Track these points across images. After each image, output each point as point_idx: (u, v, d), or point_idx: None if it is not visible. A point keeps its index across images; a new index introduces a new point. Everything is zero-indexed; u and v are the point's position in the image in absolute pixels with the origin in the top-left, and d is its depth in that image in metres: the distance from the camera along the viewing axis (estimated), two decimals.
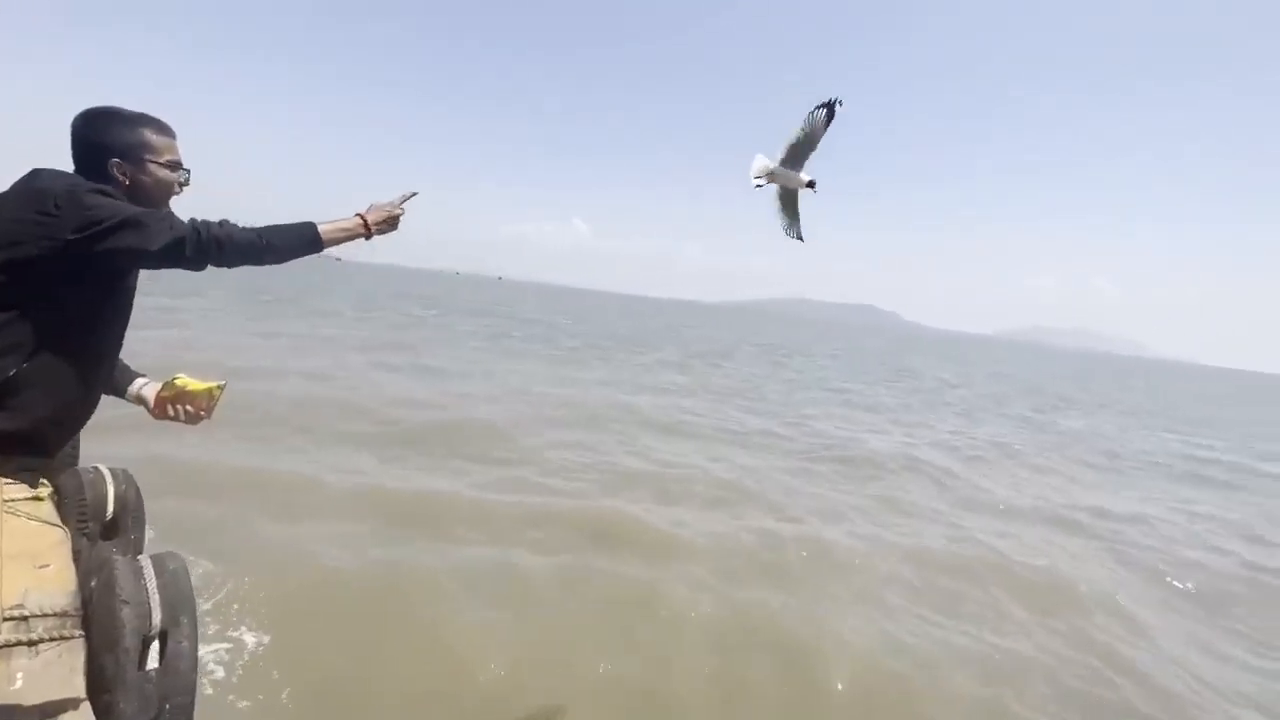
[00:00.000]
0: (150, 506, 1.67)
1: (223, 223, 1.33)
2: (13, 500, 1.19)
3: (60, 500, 1.37)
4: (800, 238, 2.63)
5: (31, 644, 1.06)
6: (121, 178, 1.34)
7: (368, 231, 1.55)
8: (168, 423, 1.61)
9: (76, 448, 1.53)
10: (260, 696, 2.59)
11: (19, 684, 1.03)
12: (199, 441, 5.06)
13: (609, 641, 3.26)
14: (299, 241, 1.42)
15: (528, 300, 57.45)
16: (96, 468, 1.56)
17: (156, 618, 1.14)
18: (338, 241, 1.51)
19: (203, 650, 2.66)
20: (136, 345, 1.56)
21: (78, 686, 1.09)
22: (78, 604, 1.16)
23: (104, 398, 1.48)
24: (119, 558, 1.23)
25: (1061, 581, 4.80)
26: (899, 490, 6.94)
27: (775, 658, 3.29)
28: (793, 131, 2.38)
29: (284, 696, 2.60)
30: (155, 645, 1.14)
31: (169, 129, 1.43)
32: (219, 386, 1.60)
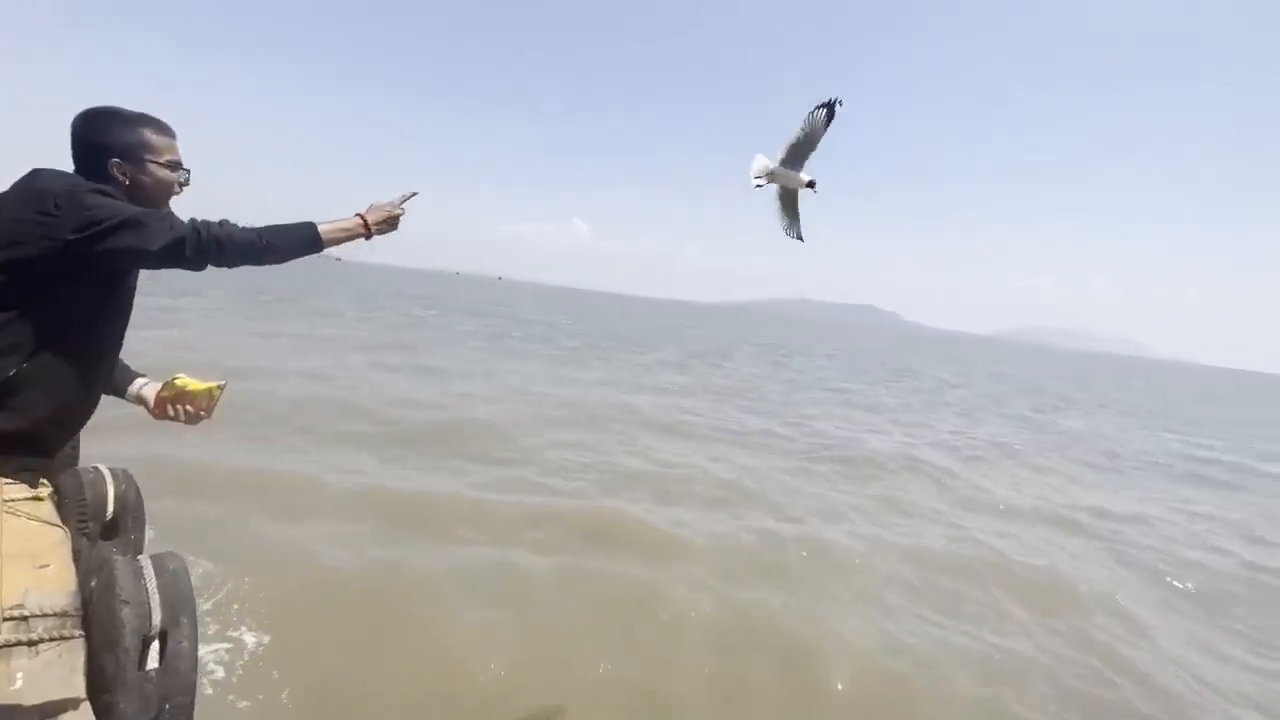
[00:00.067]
0: (150, 506, 1.67)
1: (223, 223, 1.33)
2: (13, 500, 1.19)
3: (60, 500, 1.37)
4: (800, 238, 2.62)
5: (31, 644, 1.06)
6: (121, 178, 1.34)
7: (368, 231, 1.55)
8: (168, 423, 1.61)
9: (76, 448, 1.53)
10: (260, 697, 2.58)
11: (19, 684, 1.03)
12: (199, 442, 5.06)
13: (609, 642, 3.26)
14: (299, 241, 1.42)
15: (527, 300, 57.46)
16: (96, 468, 1.56)
17: (156, 618, 1.14)
18: (338, 241, 1.51)
19: (203, 650, 2.66)
20: (136, 345, 1.56)
21: (78, 686, 1.09)
22: (78, 604, 1.16)
23: (104, 398, 1.48)
24: (119, 558, 1.23)
25: (1061, 581, 4.80)
26: (899, 490, 6.94)
27: (775, 658, 3.29)
28: (793, 132, 2.38)
29: (284, 697, 2.60)
30: (155, 645, 1.14)
31: (169, 129, 1.43)
32: (219, 386, 1.60)
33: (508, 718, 2.69)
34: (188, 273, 1.38)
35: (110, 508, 1.52)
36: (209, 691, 2.55)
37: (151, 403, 1.60)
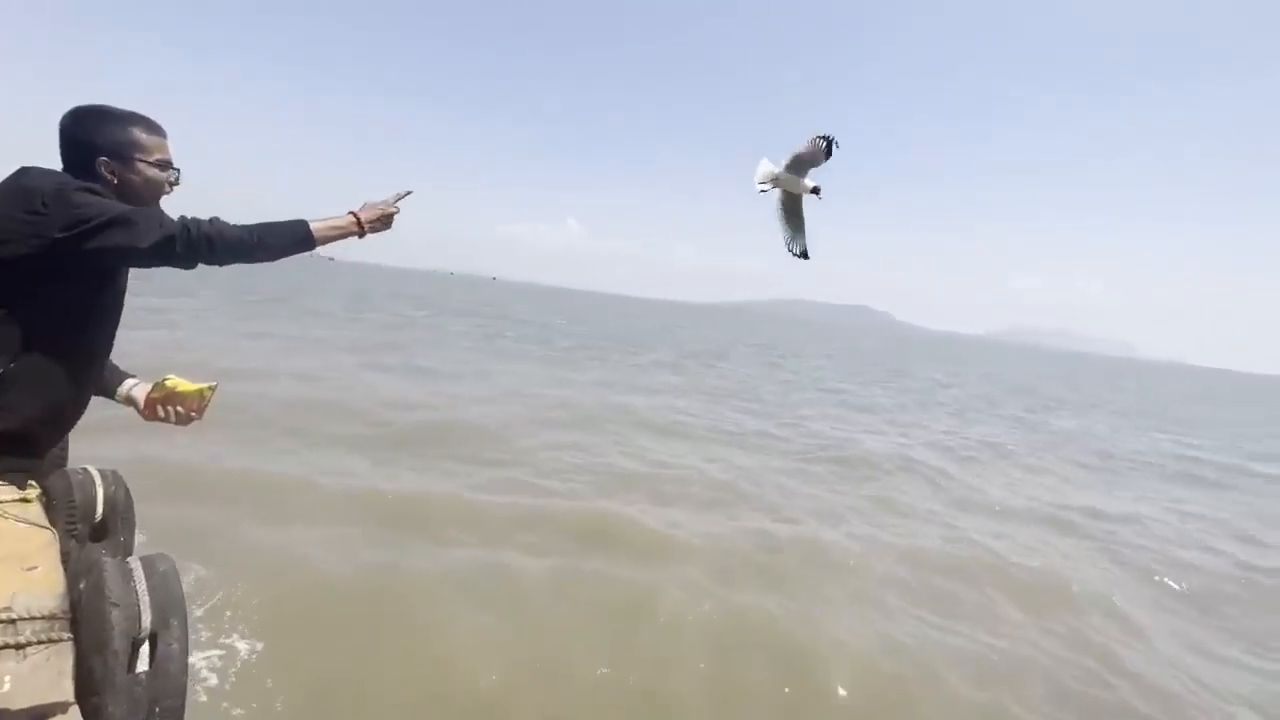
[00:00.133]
0: (140, 509, 1.65)
1: (213, 220, 1.31)
2: (0, 502, 1.18)
3: (49, 502, 1.36)
4: (805, 254, 2.54)
5: (19, 647, 1.04)
6: (110, 176, 1.33)
7: (361, 230, 1.54)
8: (158, 424, 1.60)
9: (65, 449, 1.51)
10: (254, 705, 2.56)
11: (6, 687, 1.01)
12: (190, 443, 5.02)
13: (606, 645, 3.25)
14: (291, 239, 1.40)
15: (521, 301, 57.37)
16: (86, 469, 1.54)
17: (146, 620, 1.12)
18: (330, 239, 1.49)
19: (196, 658, 2.64)
20: (126, 346, 1.55)
21: (66, 690, 1.07)
22: (66, 606, 1.14)
23: (93, 399, 1.46)
24: (108, 560, 1.21)
25: (1056, 582, 4.82)
26: (894, 491, 6.96)
27: (773, 660, 3.29)
28: (798, 145, 2.37)
29: (278, 705, 2.58)
30: (145, 648, 1.13)
31: (159, 128, 1.41)
32: (210, 387, 1.58)
33: None
34: (178, 272, 1.36)
35: (99, 509, 1.50)
36: (202, 699, 2.52)
37: (141, 404, 1.58)
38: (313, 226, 1.43)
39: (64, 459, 1.51)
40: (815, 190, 2.42)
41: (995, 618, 4.16)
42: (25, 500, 1.23)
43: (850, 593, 4.24)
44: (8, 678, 1.02)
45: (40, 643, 1.07)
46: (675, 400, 11.40)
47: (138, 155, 1.36)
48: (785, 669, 3.23)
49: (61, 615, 1.12)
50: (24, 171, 1.25)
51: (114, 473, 1.58)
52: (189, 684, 1.18)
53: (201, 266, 1.34)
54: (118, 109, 1.38)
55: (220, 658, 2.76)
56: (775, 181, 2.46)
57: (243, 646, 2.86)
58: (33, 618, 1.08)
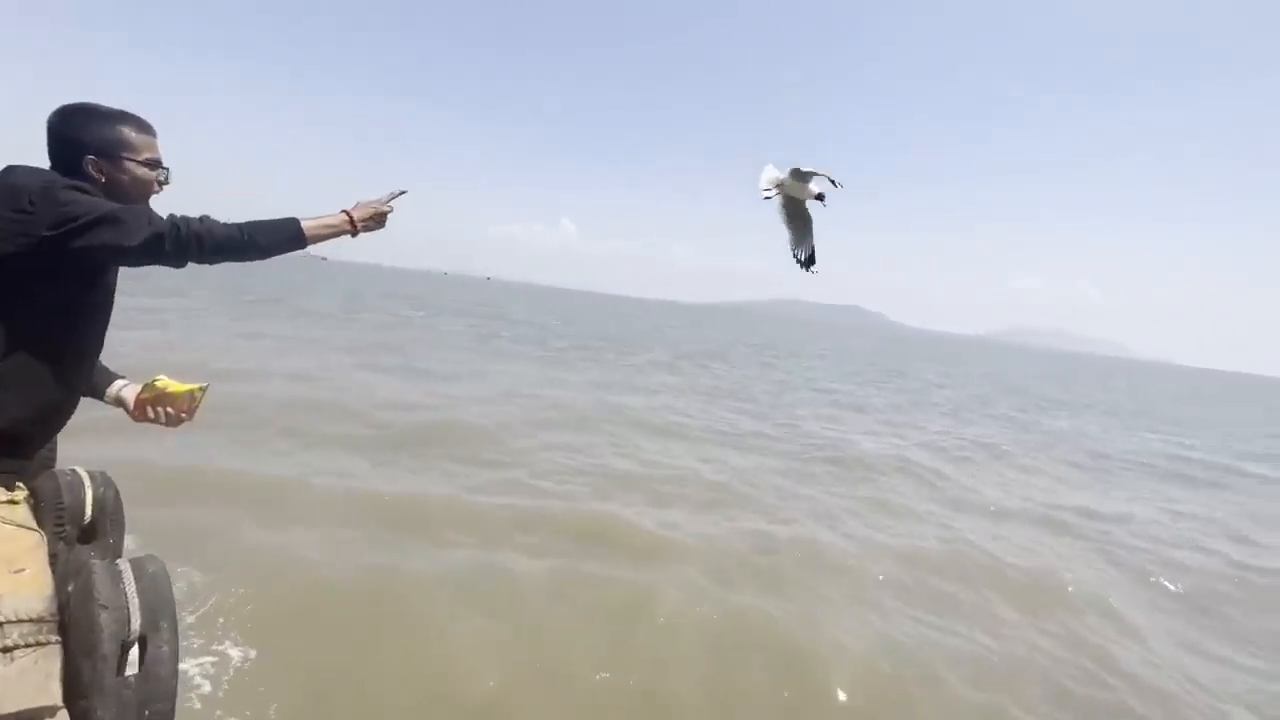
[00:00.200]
0: (131, 512, 1.63)
1: (203, 218, 1.30)
2: None
3: (37, 503, 1.34)
4: (810, 260, 2.51)
5: (6, 650, 1.03)
6: (98, 175, 1.31)
7: (354, 229, 1.53)
8: (148, 425, 1.58)
9: (54, 450, 1.49)
10: (248, 712, 2.54)
11: None
12: (182, 445, 4.99)
13: (604, 647, 3.24)
14: (282, 237, 1.39)
15: (517, 301, 57.31)
16: (74, 470, 1.53)
17: (135, 623, 1.11)
18: (322, 238, 1.48)
19: (189, 664, 2.61)
20: (117, 346, 1.54)
21: (54, 694, 1.06)
22: (54, 609, 1.13)
23: (82, 400, 1.45)
24: (97, 562, 1.20)
25: (1052, 583, 4.84)
26: (890, 492, 6.98)
27: (772, 662, 3.29)
28: (805, 165, 2.37)
29: (272, 712, 2.56)
30: (134, 651, 1.12)
31: (149, 126, 1.40)
32: (201, 388, 1.57)
33: None
34: (170, 271, 1.35)
35: (88, 511, 1.49)
36: (196, 706, 2.50)
37: (131, 405, 1.56)
38: (304, 225, 1.42)
39: (52, 460, 1.49)
40: (819, 197, 2.42)
41: (992, 618, 4.18)
42: (13, 502, 1.21)
43: (848, 593, 4.25)
44: None
45: (28, 646, 1.06)
46: (671, 400, 11.41)
47: (125, 154, 1.34)
48: (784, 670, 3.23)
49: (49, 618, 1.11)
50: (10, 170, 1.24)
51: (103, 474, 1.57)
52: (181, 690, 1.17)
53: (193, 266, 1.32)
54: (106, 107, 1.36)
55: (213, 664, 2.73)
56: (779, 188, 2.46)
57: (236, 653, 2.83)
58: (20, 620, 1.06)
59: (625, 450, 7.31)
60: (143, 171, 1.37)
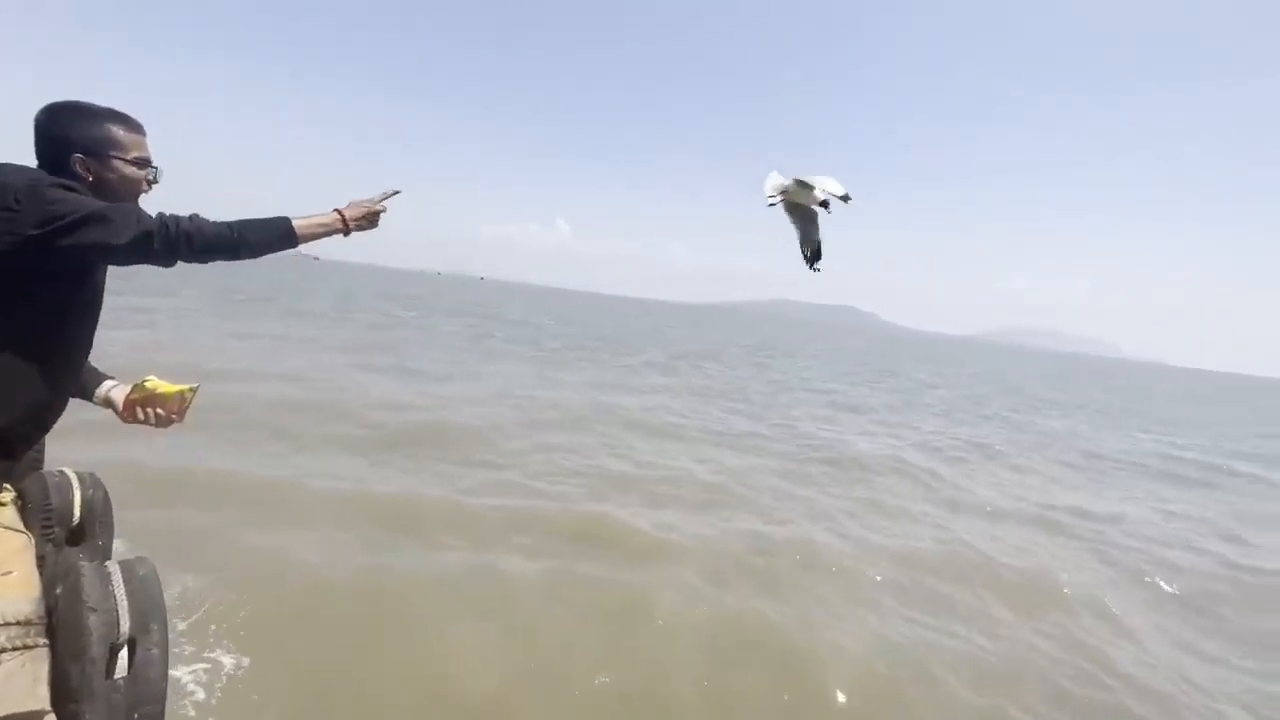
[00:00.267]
0: (121, 514, 1.61)
1: (193, 217, 1.29)
2: None
3: (24, 505, 1.33)
4: (816, 257, 2.55)
5: None
6: (85, 174, 1.30)
7: (346, 228, 1.51)
8: (138, 426, 1.57)
9: (42, 451, 1.47)
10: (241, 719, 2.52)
11: None
12: (173, 446, 4.95)
13: (601, 649, 3.23)
14: (273, 236, 1.38)
15: (511, 301, 57.23)
16: (63, 471, 1.51)
17: (125, 625, 1.10)
18: (314, 237, 1.47)
19: (181, 671, 2.59)
20: (106, 346, 1.52)
21: (42, 697, 1.05)
22: (42, 612, 1.12)
23: (71, 401, 1.43)
24: (86, 564, 1.19)
25: (1048, 583, 4.86)
26: (885, 492, 7.00)
27: (769, 664, 3.28)
28: (814, 176, 2.38)
29: (266, 719, 2.54)
30: (124, 654, 1.11)
31: (138, 125, 1.38)
32: (191, 389, 1.56)
33: None
34: (160, 271, 1.34)
35: (77, 512, 1.47)
36: (190, 714, 2.47)
37: (120, 406, 1.55)
38: (295, 224, 1.41)
39: (40, 461, 1.48)
40: (824, 204, 2.43)
41: (989, 619, 4.19)
42: (0, 504, 1.20)
43: (844, 594, 4.25)
44: None
45: (15, 649, 1.05)
46: (665, 401, 11.41)
47: (114, 152, 1.33)
48: (781, 672, 3.22)
49: (37, 621, 1.10)
50: None
51: (92, 475, 1.55)
52: (174, 697, 1.16)
53: (182, 265, 1.31)
54: (94, 105, 1.35)
55: (206, 671, 2.70)
56: (784, 194, 2.47)
57: (229, 660, 2.80)
58: (7, 624, 1.06)
59: (620, 451, 7.30)
60: (131, 170, 1.36)
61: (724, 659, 3.28)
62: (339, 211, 1.51)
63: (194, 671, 2.68)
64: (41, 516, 1.39)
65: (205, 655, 2.80)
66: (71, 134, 1.29)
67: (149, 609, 1.15)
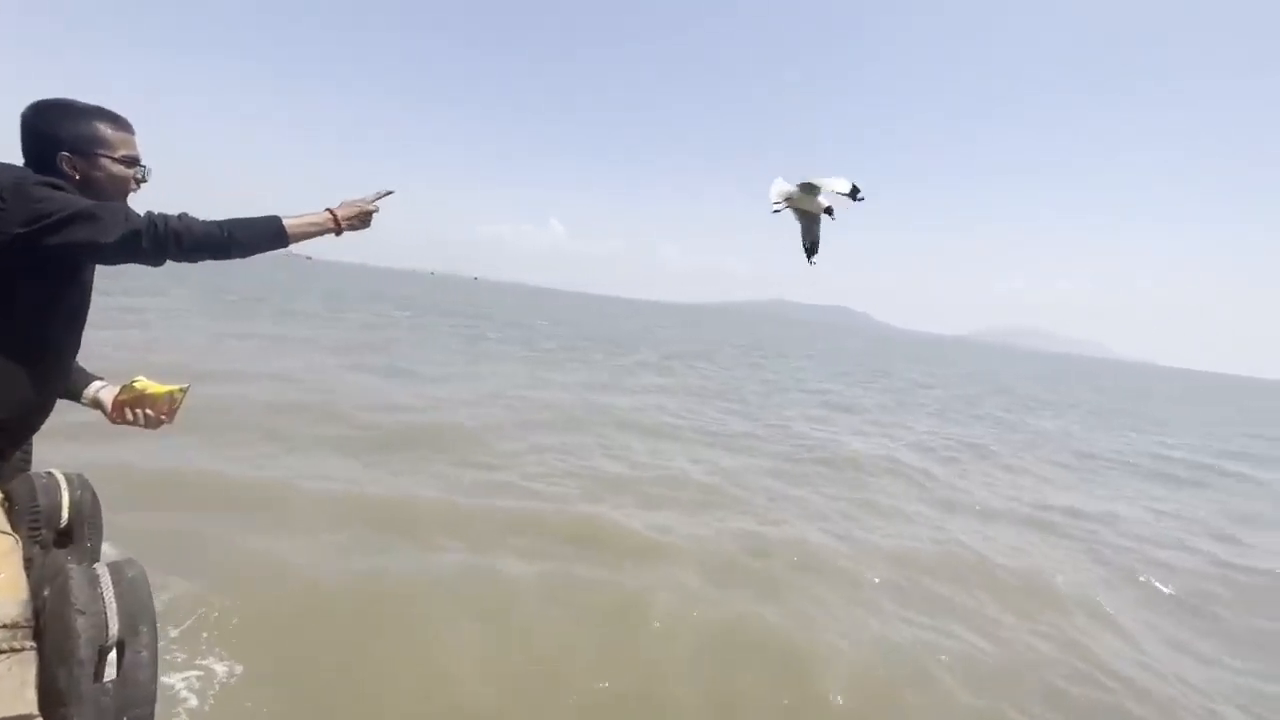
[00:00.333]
0: (111, 518, 1.59)
1: (182, 216, 1.28)
2: None
3: (11, 507, 1.31)
4: (813, 251, 2.63)
5: None
6: (71, 172, 1.29)
7: (338, 227, 1.50)
8: (127, 428, 1.55)
9: (29, 452, 1.46)
10: None
11: None
12: (163, 448, 4.92)
13: (598, 652, 3.22)
14: (263, 235, 1.36)
15: (504, 301, 57.14)
16: (50, 473, 1.50)
17: (114, 627, 1.09)
18: (306, 236, 1.46)
19: (173, 678, 2.56)
20: (95, 346, 1.51)
21: (29, 701, 1.04)
22: (29, 614, 1.11)
23: (60, 401, 1.42)
24: (74, 566, 1.18)
25: (1043, 584, 4.88)
26: (880, 493, 7.02)
27: (767, 665, 3.28)
28: (814, 176, 2.41)
29: None
30: (112, 656, 1.09)
31: (126, 123, 1.37)
32: (181, 390, 1.54)
33: None
34: (150, 270, 1.33)
35: (65, 514, 1.46)
36: None
37: (109, 406, 1.53)
38: (287, 223, 1.40)
39: (28, 463, 1.46)
40: (828, 210, 2.47)
41: (985, 619, 4.20)
42: None
43: (841, 595, 4.25)
44: None
45: (1, 652, 1.03)
46: (660, 401, 11.41)
47: (101, 151, 1.32)
48: (780, 673, 3.22)
49: (24, 623, 1.09)
50: None
51: (80, 476, 1.53)
52: (166, 705, 1.15)
53: (173, 264, 1.30)
54: (82, 103, 1.34)
55: (199, 678, 2.67)
56: (789, 201, 2.49)
57: (221, 667, 2.77)
58: None
59: (615, 452, 7.30)
60: (119, 169, 1.34)
61: (721, 661, 3.27)
62: (331, 211, 1.50)
63: (186, 679, 2.65)
64: (29, 518, 1.37)
65: (197, 662, 2.77)
66: (59, 132, 1.28)
67: (138, 611, 1.14)
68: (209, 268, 1.41)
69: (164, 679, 2.55)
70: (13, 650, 1.05)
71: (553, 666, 3.06)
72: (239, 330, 13.81)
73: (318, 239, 1.51)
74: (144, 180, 1.41)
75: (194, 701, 2.55)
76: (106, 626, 1.09)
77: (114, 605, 1.11)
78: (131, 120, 1.39)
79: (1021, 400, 21.56)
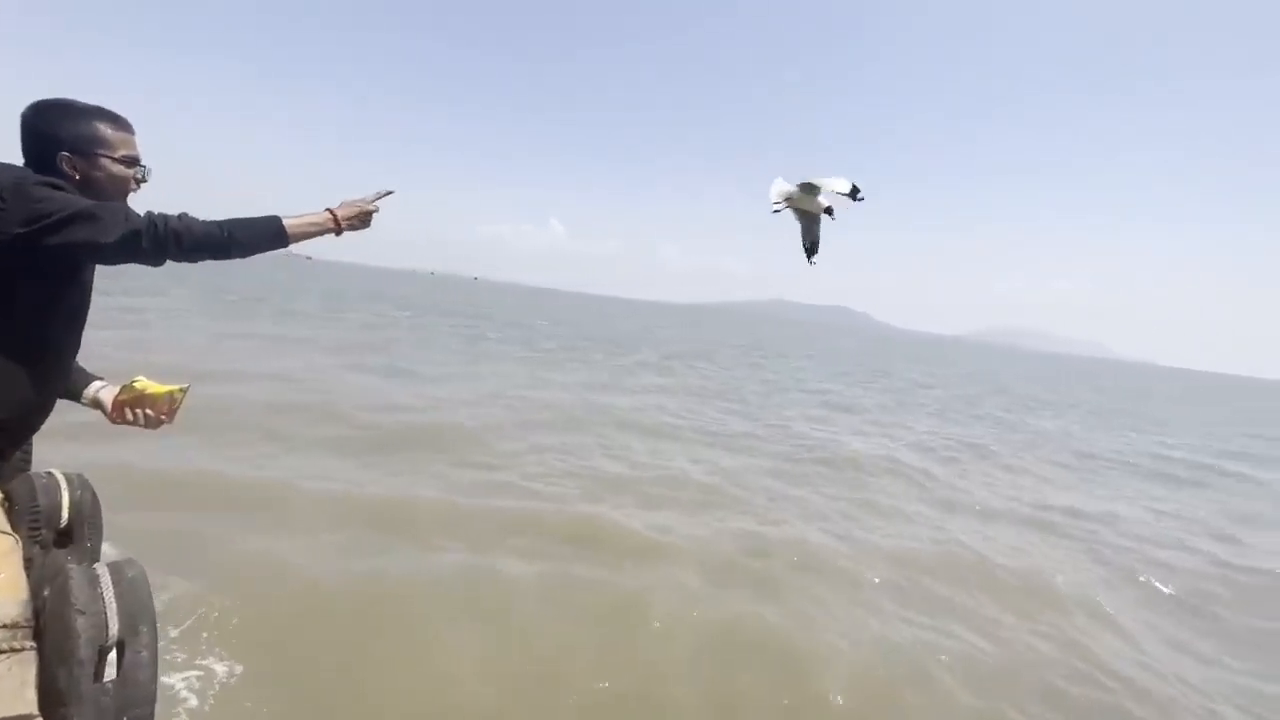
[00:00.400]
0: (111, 518, 1.59)
1: (182, 215, 1.28)
2: None
3: (11, 507, 1.31)
4: (813, 250, 2.64)
5: None
6: (71, 172, 1.29)
7: (338, 227, 1.50)
8: (128, 428, 1.55)
9: (29, 452, 1.46)
10: None
11: None
12: (163, 448, 4.92)
13: (599, 652, 3.21)
14: (263, 235, 1.36)
15: (504, 301, 57.13)
16: (50, 473, 1.49)
17: (114, 627, 1.09)
18: (306, 236, 1.46)
19: (173, 679, 2.56)
20: (95, 346, 1.51)
21: (29, 701, 1.04)
22: (29, 614, 1.11)
23: (60, 401, 1.42)
24: (74, 566, 1.18)
25: (1043, 584, 4.88)
26: (880, 493, 7.01)
27: (768, 666, 3.28)
28: (815, 176, 2.42)
29: None
30: (112, 656, 1.09)
31: (126, 123, 1.37)
32: (181, 390, 1.54)
33: None
34: (150, 270, 1.33)
35: (65, 514, 1.46)
36: None
37: (109, 406, 1.53)
38: (286, 223, 1.40)
39: (28, 463, 1.46)
40: (828, 210, 2.48)
41: (985, 619, 4.19)
42: None
43: (841, 595, 4.25)
44: None
45: (1, 652, 1.03)
46: (660, 401, 11.41)
47: (101, 151, 1.32)
48: (780, 674, 3.22)
49: (24, 623, 1.09)
50: None
51: (80, 476, 1.53)
52: (166, 706, 1.14)
53: (173, 264, 1.30)
54: (82, 103, 1.34)
55: (199, 678, 2.67)
56: (789, 201, 2.50)
57: (221, 668, 2.76)
58: None
59: (615, 452, 7.30)
60: (119, 169, 1.34)
61: (721, 661, 3.27)
62: (331, 211, 1.50)
63: (186, 679, 2.65)
64: (29, 518, 1.37)
65: (197, 662, 2.77)
66: (59, 132, 1.28)
67: (138, 611, 1.14)
68: (209, 268, 1.41)
69: (164, 679, 2.55)
70: (13, 650, 1.05)
71: (552, 667, 3.06)
72: (239, 330, 13.81)
73: (317, 239, 1.51)
74: (144, 180, 1.41)
75: (194, 702, 2.55)
76: (106, 626, 1.09)
77: (114, 605, 1.11)
78: (132, 120, 1.39)
79: (1021, 400, 21.56)
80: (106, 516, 1.57)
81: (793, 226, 2.63)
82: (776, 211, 2.53)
